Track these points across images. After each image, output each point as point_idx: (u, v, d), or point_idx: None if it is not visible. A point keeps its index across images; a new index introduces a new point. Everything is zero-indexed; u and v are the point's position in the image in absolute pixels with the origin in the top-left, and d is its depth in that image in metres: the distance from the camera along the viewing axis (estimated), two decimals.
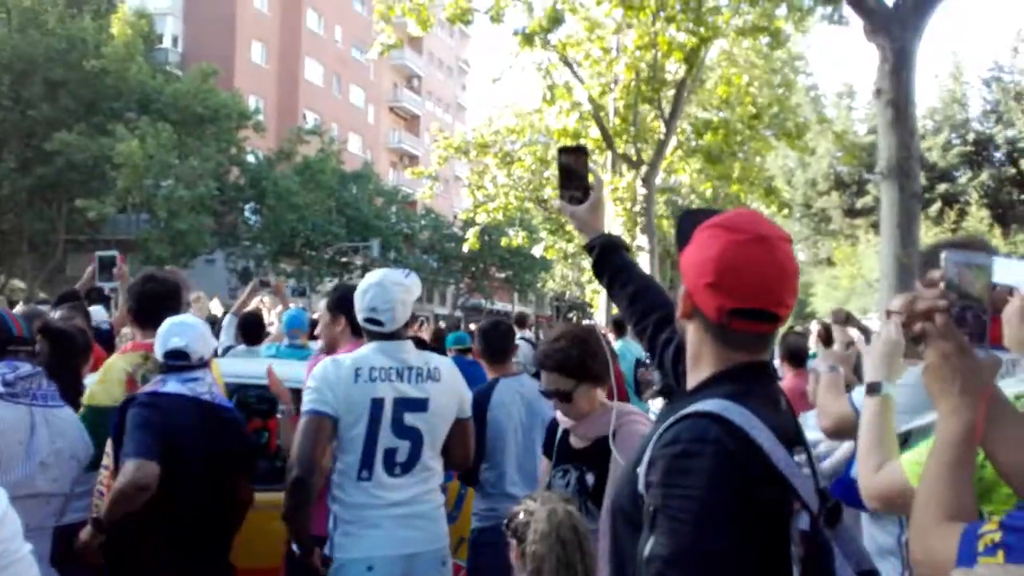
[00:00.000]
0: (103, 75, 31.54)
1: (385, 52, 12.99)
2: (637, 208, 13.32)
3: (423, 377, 3.27)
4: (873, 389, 2.05)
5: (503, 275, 52.62)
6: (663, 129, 13.12)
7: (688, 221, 1.78)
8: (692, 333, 1.66)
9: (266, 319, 10.62)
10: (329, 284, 39.76)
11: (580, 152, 2.32)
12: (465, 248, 21.52)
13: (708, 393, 1.55)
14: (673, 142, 13.67)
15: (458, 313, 47.79)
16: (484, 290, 52.65)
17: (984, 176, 20.24)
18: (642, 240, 13.35)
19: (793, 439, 1.57)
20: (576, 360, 2.99)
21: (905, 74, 6.82)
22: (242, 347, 7.03)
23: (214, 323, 10.57)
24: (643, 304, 2.13)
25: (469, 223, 22.86)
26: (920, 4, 6.85)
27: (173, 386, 3.30)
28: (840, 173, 22.42)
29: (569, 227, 23.05)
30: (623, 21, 11.88)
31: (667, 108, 13.10)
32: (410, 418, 3.21)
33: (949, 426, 1.42)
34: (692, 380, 1.66)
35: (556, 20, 12.10)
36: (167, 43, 42.07)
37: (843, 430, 2.74)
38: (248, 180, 37.09)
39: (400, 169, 57.22)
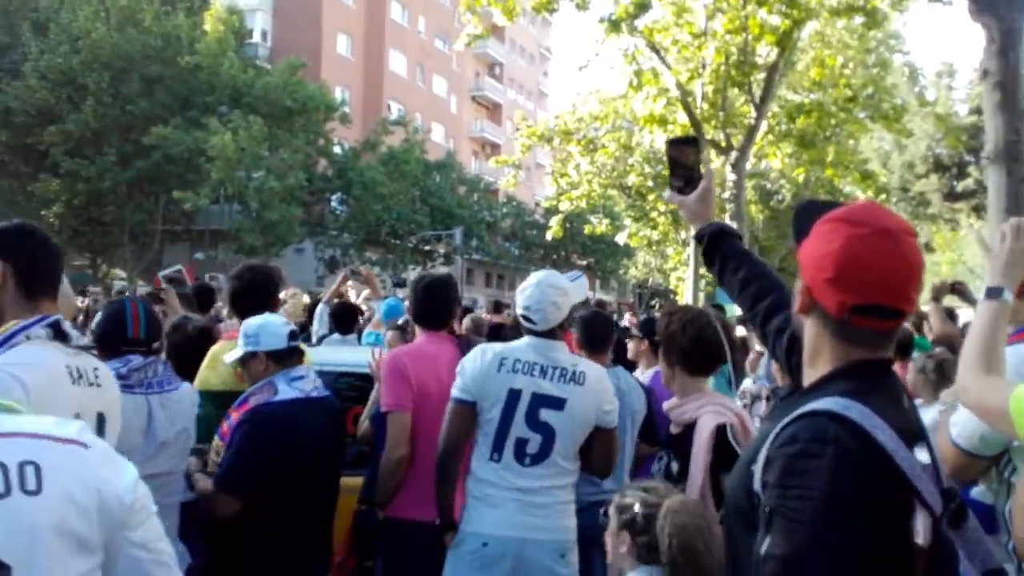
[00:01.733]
0: (197, 71, 32.57)
1: (472, 43, 13.02)
2: (726, 195, 13.07)
3: (566, 378, 3.35)
4: (993, 293, 2.07)
5: (585, 262, 52.44)
6: (753, 114, 12.81)
7: (806, 213, 1.74)
8: (810, 328, 1.62)
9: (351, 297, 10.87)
10: (413, 272, 40.35)
11: (689, 143, 2.36)
12: (548, 236, 21.48)
13: (827, 390, 1.51)
14: (764, 127, 13.33)
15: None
16: None
17: None
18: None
19: (916, 437, 1.51)
20: (680, 340, 3.04)
21: (1013, 55, 6.53)
22: (336, 336, 7.20)
23: (311, 312, 10.88)
24: (754, 290, 2.10)
25: (552, 211, 22.86)
26: None
27: (284, 391, 3.39)
28: (939, 155, 21.56)
29: (653, 214, 22.85)
30: (713, 5, 11.65)
31: (758, 92, 12.78)
32: (545, 414, 3.31)
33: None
34: (809, 376, 1.62)
35: (643, 6, 11.92)
36: (256, 38, 43.14)
37: (963, 472, 2.53)
38: (335, 171, 37.82)
39: (482, 158, 57.49)
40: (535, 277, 3.47)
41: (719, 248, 2.20)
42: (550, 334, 3.39)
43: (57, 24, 31.94)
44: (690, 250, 17.58)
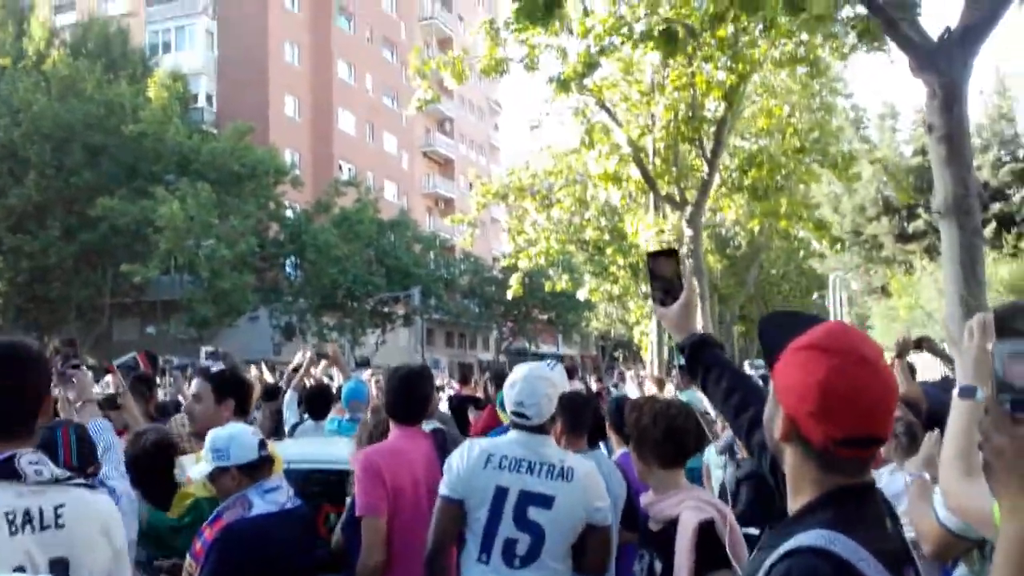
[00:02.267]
0: (142, 138, 32.13)
1: (423, 107, 12.92)
2: (683, 250, 12.96)
3: (554, 475, 3.27)
4: (966, 393, 2.08)
5: (546, 317, 52.31)
6: (706, 168, 12.82)
7: (773, 329, 1.77)
8: (792, 457, 1.62)
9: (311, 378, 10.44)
10: (372, 335, 39.81)
11: (668, 255, 2.37)
12: (509, 295, 21.33)
13: (812, 521, 1.52)
14: (717, 180, 13.35)
15: (502, 358, 47.50)
16: (528, 333, 52.34)
17: None
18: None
19: (902, 560, 1.55)
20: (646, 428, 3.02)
21: (957, 108, 6.53)
22: (310, 422, 6.84)
23: (270, 393, 10.40)
24: (736, 401, 2.13)
25: (511, 268, 22.72)
26: (967, 38, 6.55)
27: (258, 505, 3.27)
28: (889, 198, 21.88)
29: (612, 268, 22.77)
30: (660, 62, 11.66)
31: (708, 146, 12.80)
32: (533, 512, 3.22)
33: (1011, 526, 1.33)
34: (793, 504, 1.62)
35: (591, 65, 11.89)
36: (202, 102, 42.82)
37: (946, 552, 2.63)
38: (287, 235, 37.37)
39: (436, 214, 57.40)
40: (521, 371, 3.41)
41: (701, 359, 2.22)
42: (540, 428, 3.34)
43: None
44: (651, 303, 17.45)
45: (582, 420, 4.38)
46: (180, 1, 45.37)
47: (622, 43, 10.38)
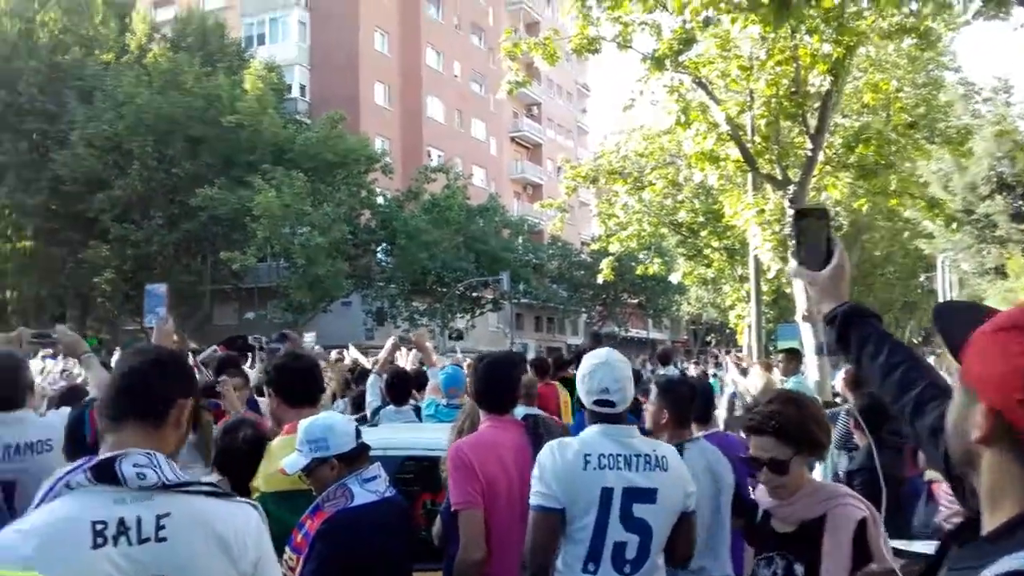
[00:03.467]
0: (239, 129, 32.94)
1: (513, 90, 12.72)
2: (786, 231, 12.45)
3: (651, 465, 3.10)
4: None
5: (636, 301, 51.77)
6: (809, 145, 12.24)
7: (951, 320, 1.52)
8: (995, 460, 1.33)
9: (401, 363, 10.45)
10: (461, 320, 40.05)
11: (818, 215, 2.18)
12: (599, 279, 21.03)
13: (1019, 540, 1.23)
14: (821, 158, 12.75)
15: (591, 342, 47.21)
16: (617, 317, 51.91)
17: None
18: (793, 264, 12.38)
19: None
20: (797, 423, 2.76)
21: None
22: (391, 407, 6.81)
23: (356, 374, 10.46)
24: (899, 378, 1.89)
25: (600, 252, 22.31)
26: None
27: (360, 495, 3.18)
28: (1003, 174, 20.67)
29: (707, 251, 22.21)
30: (760, 35, 11.16)
31: (812, 123, 12.23)
32: (639, 510, 3.05)
33: None
34: (993, 517, 1.33)
35: (688, 41, 11.50)
36: (295, 92, 43.71)
37: None
38: (378, 222, 37.84)
39: (524, 199, 57.35)
40: (600, 356, 3.20)
41: (854, 330, 2.00)
42: (620, 417, 3.14)
43: (102, 91, 32.61)
44: (751, 286, 16.94)
45: (690, 409, 4.18)
46: None
47: (721, 15, 9.93)
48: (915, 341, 46.03)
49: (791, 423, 2.72)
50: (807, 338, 12.38)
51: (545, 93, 60.65)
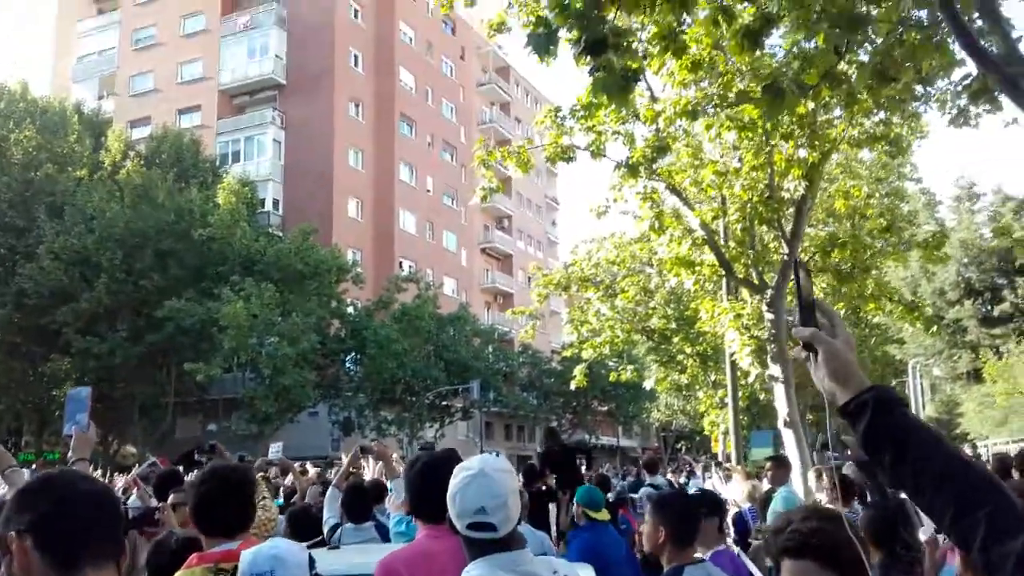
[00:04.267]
0: (210, 242, 32.87)
1: (487, 197, 12.77)
2: (765, 335, 12.44)
3: None
4: None
5: (606, 408, 51.41)
6: (785, 249, 12.37)
7: None
8: None
9: (367, 473, 9.95)
10: (430, 429, 39.37)
11: (806, 270, 1.82)
12: (572, 386, 20.83)
13: None
14: None
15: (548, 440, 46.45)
16: (587, 425, 51.42)
17: None
18: (774, 370, 12.38)
19: None
20: (843, 544, 2.20)
21: None
22: (349, 526, 6.25)
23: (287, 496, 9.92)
24: (960, 492, 1.49)
25: (571, 359, 22.07)
26: None
27: None
28: (971, 280, 21.05)
29: (680, 357, 22.09)
30: (736, 142, 11.40)
31: (787, 227, 12.39)
32: None
33: None
34: None
35: (661, 149, 11.69)
36: (268, 207, 44.00)
37: None
38: (348, 331, 37.55)
39: (495, 308, 57.46)
40: (470, 466, 2.50)
41: (887, 424, 1.55)
42: (510, 540, 2.44)
43: (72, 206, 32.52)
44: (728, 391, 16.81)
45: (693, 526, 3.79)
46: (250, 113, 47.37)
47: (697, 118, 10.09)
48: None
49: (836, 543, 2.24)
50: (790, 445, 12.16)
51: (515, 206, 61.71)
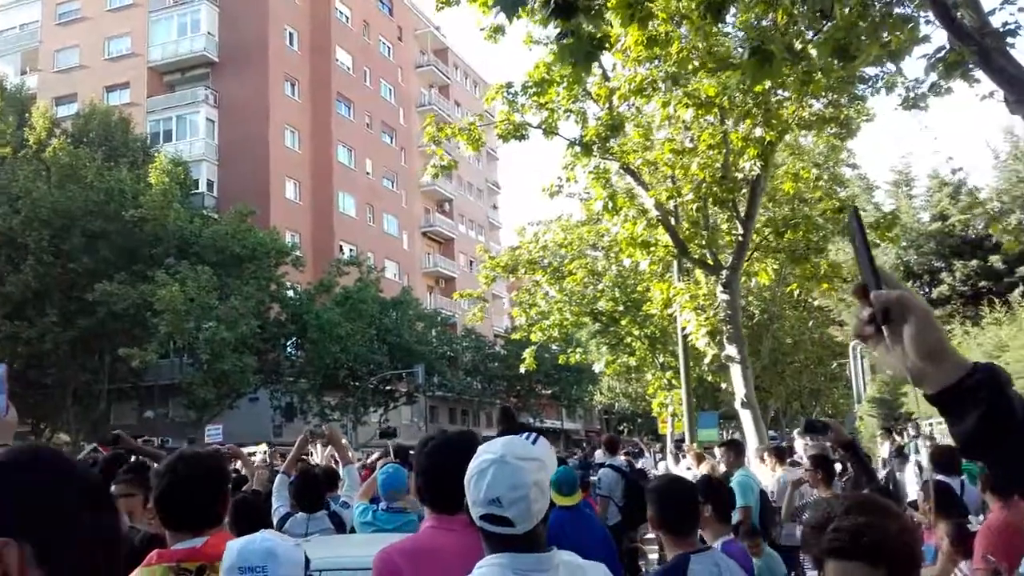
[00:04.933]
0: (142, 223, 31.84)
1: (438, 174, 12.49)
2: (720, 315, 12.42)
3: None
4: None
5: (550, 391, 51.60)
6: (740, 230, 12.34)
7: None
8: None
9: (315, 459, 9.62)
10: (375, 414, 38.97)
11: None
12: (522, 369, 20.71)
13: None
14: (750, 243, 12.84)
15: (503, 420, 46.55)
16: (531, 408, 51.57)
17: None
18: (731, 350, 12.38)
19: None
20: (894, 539, 1.97)
21: None
22: (301, 515, 5.92)
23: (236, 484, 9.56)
24: None
25: (514, 342, 21.86)
26: None
27: None
28: (910, 263, 21.50)
29: (628, 340, 22.11)
30: (692, 121, 11.29)
31: (742, 208, 12.37)
32: None
33: None
34: None
35: (615, 127, 11.53)
36: (203, 188, 42.82)
37: None
38: (289, 315, 36.85)
39: (437, 292, 57.09)
40: (491, 450, 2.21)
41: (1008, 408, 1.26)
42: (531, 538, 2.18)
43: None
44: (681, 373, 16.84)
45: (694, 514, 3.59)
46: (181, 92, 45.96)
47: (651, 97, 9.96)
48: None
49: (886, 539, 2.00)
50: (748, 425, 12.19)
51: (456, 190, 61.30)
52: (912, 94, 10.21)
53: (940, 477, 6.52)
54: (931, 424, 16.76)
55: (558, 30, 5.69)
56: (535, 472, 2.17)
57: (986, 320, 15.99)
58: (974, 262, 20.16)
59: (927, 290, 21.50)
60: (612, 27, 6.82)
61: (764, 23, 8.72)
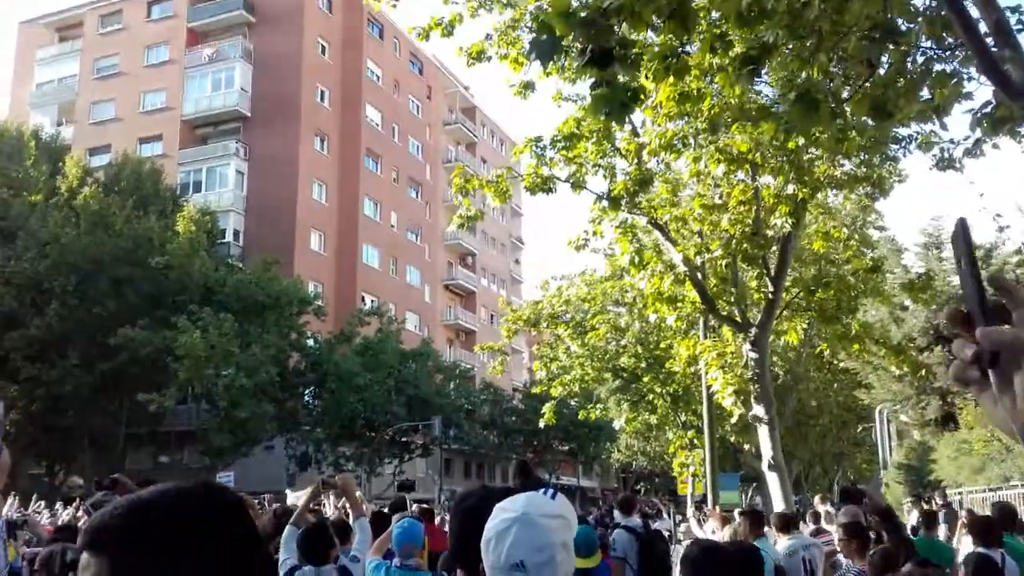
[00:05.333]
0: (167, 270, 32.10)
1: (466, 224, 12.48)
2: (748, 374, 12.20)
3: None
4: None
5: (567, 447, 50.95)
6: (770, 287, 12.18)
7: None
8: None
9: (327, 510, 9.38)
10: (389, 465, 38.58)
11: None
12: (541, 424, 20.46)
13: None
14: (780, 301, 12.65)
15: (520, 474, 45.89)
16: (548, 464, 50.88)
17: None
18: (758, 410, 12.14)
19: None
20: None
21: None
22: (308, 568, 5.70)
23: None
24: None
25: (532, 396, 21.58)
26: None
27: None
28: (939, 326, 21.15)
29: (650, 397, 21.77)
30: (723, 178, 11.24)
31: (772, 265, 12.22)
32: None
33: None
34: None
35: (643, 182, 11.50)
36: (229, 237, 43.21)
37: None
38: (308, 364, 36.78)
39: (457, 345, 56.92)
40: (512, 508, 1.97)
41: None
42: None
43: (26, 231, 31.53)
44: (704, 432, 16.52)
45: None
46: (213, 144, 46.76)
47: (681, 152, 9.93)
48: (836, 489, 46.00)
49: None
50: (774, 487, 11.87)
51: (480, 244, 61.55)
52: (947, 154, 10.09)
53: (980, 550, 6.24)
54: (960, 493, 16.28)
55: (591, 80, 5.65)
56: (561, 531, 1.96)
57: None
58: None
59: None
60: (647, 80, 6.79)
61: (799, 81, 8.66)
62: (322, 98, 48.89)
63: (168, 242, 32.62)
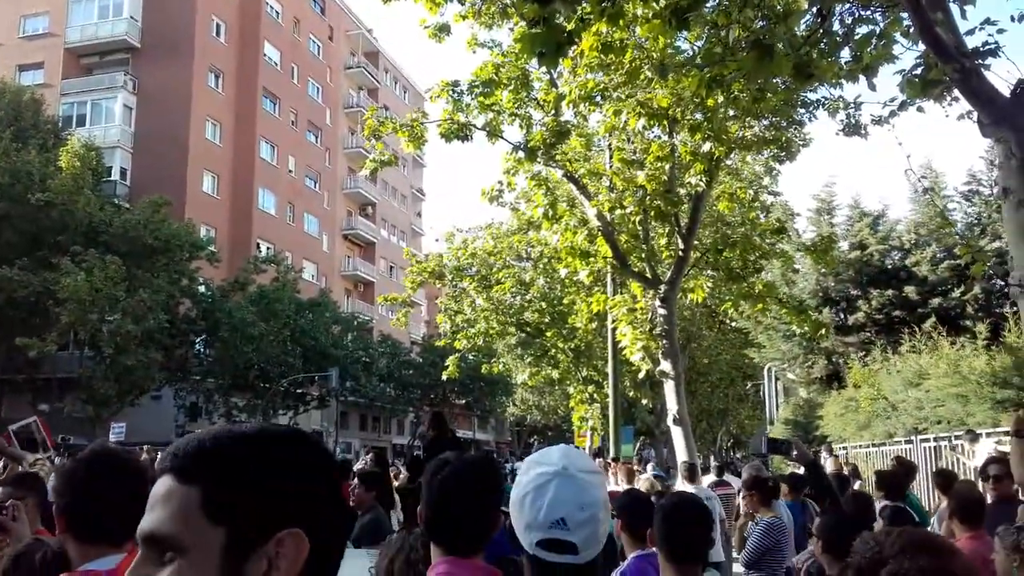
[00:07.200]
0: (48, 208, 30.31)
1: (379, 169, 12.11)
2: (657, 330, 12.34)
3: None
4: None
5: (463, 401, 51.27)
6: (680, 244, 12.31)
7: None
8: None
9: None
10: (283, 417, 37.94)
11: None
12: (444, 376, 20.36)
13: None
14: (690, 259, 12.83)
15: (417, 442, 46.07)
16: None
17: (977, 290, 19.91)
18: (665, 365, 12.32)
19: None
20: None
21: None
22: None
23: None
24: None
25: (430, 348, 21.48)
26: None
27: None
28: (828, 289, 21.99)
29: (553, 352, 21.95)
30: (642, 132, 11.23)
31: (684, 223, 12.35)
32: None
33: None
34: None
35: (561, 134, 11.39)
36: (115, 175, 41.13)
37: None
38: (200, 312, 35.59)
39: (355, 296, 56.15)
40: (549, 461, 1.80)
41: None
42: (591, 572, 1.79)
43: None
44: (609, 387, 16.74)
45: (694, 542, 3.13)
46: (99, 76, 44.17)
47: (600, 103, 9.84)
48: (726, 445, 47.98)
49: None
50: (679, 441, 12.13)
51: (380, 194, 60.52)
52: (853, 120, 10.33)
53: (886, 503, 6.54)
54: (845, 448, 17.09)
55: (528, 21, 5.47)
56: (602, 488, 1.83)
57: (905, 348, 16.39)
58: (890, 291, 20.75)
59: (843, 317, 22.04)
60: (582, 23, 6.64)
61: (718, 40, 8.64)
62: (218, 32, 46.71)
63: (49, 178, 30.77)
